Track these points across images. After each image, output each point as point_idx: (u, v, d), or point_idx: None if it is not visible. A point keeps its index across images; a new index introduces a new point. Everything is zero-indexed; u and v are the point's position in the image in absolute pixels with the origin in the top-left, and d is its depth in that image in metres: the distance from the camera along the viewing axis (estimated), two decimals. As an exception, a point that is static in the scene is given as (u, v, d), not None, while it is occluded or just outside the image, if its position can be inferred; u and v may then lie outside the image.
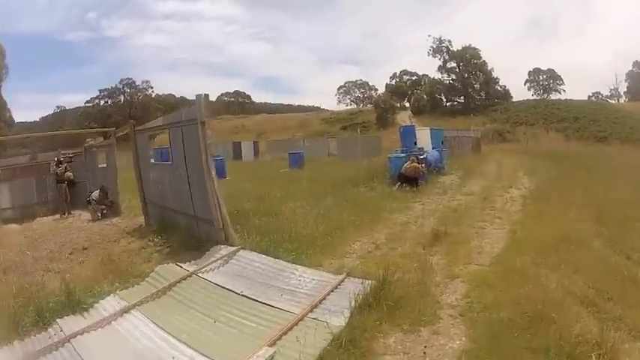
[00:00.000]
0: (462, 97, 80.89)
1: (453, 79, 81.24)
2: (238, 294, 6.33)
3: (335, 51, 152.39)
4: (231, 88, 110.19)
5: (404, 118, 73.14)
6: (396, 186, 16.46)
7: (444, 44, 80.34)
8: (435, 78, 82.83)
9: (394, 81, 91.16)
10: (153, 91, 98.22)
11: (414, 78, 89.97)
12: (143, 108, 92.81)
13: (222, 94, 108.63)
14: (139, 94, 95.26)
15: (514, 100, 78.75)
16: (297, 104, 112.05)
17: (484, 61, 78.58)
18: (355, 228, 10.15)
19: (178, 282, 6.84)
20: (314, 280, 6.57)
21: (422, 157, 18.41)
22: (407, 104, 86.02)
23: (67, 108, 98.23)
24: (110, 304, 6.36)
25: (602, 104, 74.26)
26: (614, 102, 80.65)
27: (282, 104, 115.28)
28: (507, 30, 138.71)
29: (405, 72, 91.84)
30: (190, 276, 7.04)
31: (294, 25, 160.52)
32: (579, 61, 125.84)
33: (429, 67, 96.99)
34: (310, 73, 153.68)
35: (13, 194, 17.02)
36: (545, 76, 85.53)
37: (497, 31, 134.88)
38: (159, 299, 6.43)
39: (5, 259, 9.47)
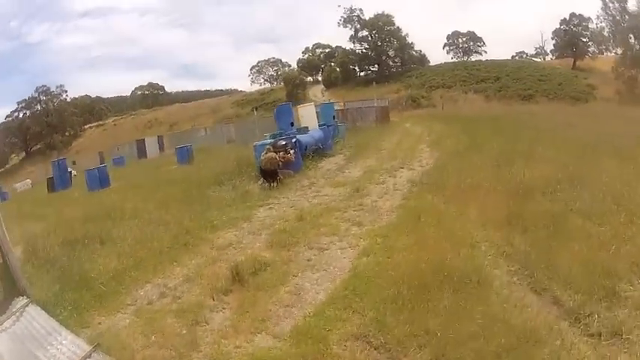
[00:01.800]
0: (375, 66, 76.84)
1: (365, 49, 76.78)
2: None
3: (251, 31, 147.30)
4: (148, 81, 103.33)
5: (316, 92, 70.30)
6: (260, 182, 13.41)
7: (355, 13, 75.74)
8: (347, 49, 78.11)
9: (307, 55, 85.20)
10: (67, 96, 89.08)
11: (327, 51, 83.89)
12: (59, 115, 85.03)
13: (135, 88, 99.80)
14: (54, 100, 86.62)
15: (432, 64, 75.06)
16: (214, 89, 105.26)
17: (398, 27, 74.41)
18: (162, 259, 7.83)
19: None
20: (66, 352, 5.35)
21: (290, 141, 14.96)
22: (320, 78, 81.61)
23: None
24: None
25: (527, 62, 71.52)
26: (539, 60, 77.81)
27: (199, 90, 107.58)
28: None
29: (317, 45, 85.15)
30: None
31: (209, 9, 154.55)
32: (501, 22, 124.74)
33: (343, 39, 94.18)
34: (227, 56, 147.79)
35: None
36: (464, 39, 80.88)
37: None
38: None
39: None
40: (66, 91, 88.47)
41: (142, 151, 46.99)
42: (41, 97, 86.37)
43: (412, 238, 6.44)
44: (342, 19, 75.14)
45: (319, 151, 17.59)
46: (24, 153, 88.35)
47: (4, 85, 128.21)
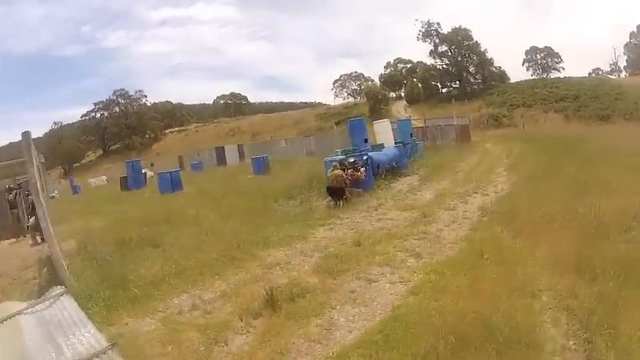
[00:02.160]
0: (457, 83, 77.35)
1: (446, 64, 77.33)
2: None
3: (333, 45, 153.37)
4: (232, 90, 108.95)
5: (399, 108, 71.31)
6: (327, 199, 13.29)
7: (432, 27, 76.43)
8: (428, 64, 78.96)
9: (388, 70, 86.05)
10: (147, 100, 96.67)
11: (408, 66, 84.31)
12: (138, 118, 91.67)
13: (218, 96, 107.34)
14: (133, 104, 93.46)
15: (512, 81, 74.38)
16: (299, 101, 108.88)
17: (477, 42, 74.55)
18: (205, 271, 7.92)
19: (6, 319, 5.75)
20: (85, 344, 4.94)
21: (361, 158, 14.83)
22: (402, 94, 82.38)
23: (64, 123, 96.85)
24: None
25: (603, 80, 68.90)
26: (614, 77, 75.41)
27: (283, 102, 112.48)
28: (500, 9, 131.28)
29: (399, 60, 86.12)
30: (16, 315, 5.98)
31: (289, 22, 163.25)
32: (577, 37, 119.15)
33: (423, 54, 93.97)
34: (310, 69, 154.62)
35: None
36: (542, 55, 79.38)
37: (488, 11, 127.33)
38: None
39: None
40: (145, 96, 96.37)
41: (221, 159, 48.80)
42: (119, 99, 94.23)
43: (468, 278, 5.84)
44: (421, 34, 76.52)
45: (394, 170, 17.31)
46: (101, 151, 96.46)
47: (79, 86, 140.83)
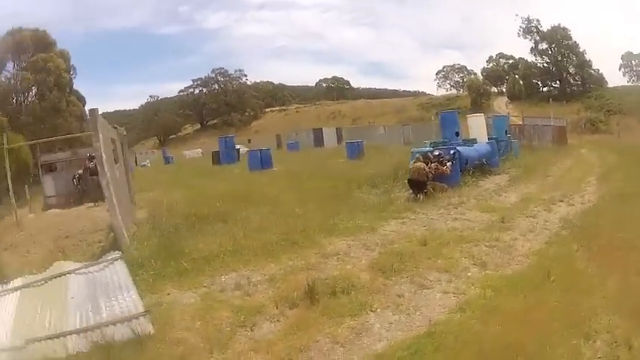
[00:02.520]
0: (557, 82, 75.87)
1: (547, 62, 75.92)
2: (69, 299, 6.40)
3: (435, 36, 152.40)
4: (335, 74, 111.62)
5: (500, 104, 71.14)
6: (409, 192, 13.16)
7: (532, 24, 75.02)
8: (530, 61, 77.77)
9: (491, 65, 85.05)
10: (247, 79, 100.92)
11: (510, 62, 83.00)
12: (238, 96, 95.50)
13: (320, 80, 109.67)
14: (233, 82, 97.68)
15: (609, 85, 71.43)
16: (402, 89, 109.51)
17: (575, 42, 72.83)
18: (262, 252, 8.18)
19: (55, 277, 7.17)
20: (123, 307, 5.93)
21: (448, 152, 14.42)
22: (504, 89, 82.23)
23: (160, 97, 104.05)
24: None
25: None
26: None
27: (386, 89, 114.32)
28: (597, 9, 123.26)
29: (501, 55, 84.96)
30: (66, 274, 7.26)
31: (391, 10, 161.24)
32: None
33: (524, 50, 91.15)
34: (413, 58, 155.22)
35: (57, 184, 19.47)
36: (637, 61, 75.22)
37: (585, 11, 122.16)
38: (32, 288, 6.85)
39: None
40: (245, 75, 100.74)
41: (318, 140, 49.98)
42: (218, 77, 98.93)
43: (526, 302, 5.38)
44: (521, 30, 75.92)
45: (484, 167, 16.94)
46: (199, 125, 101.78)
47: (176, 63, 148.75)
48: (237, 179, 21.00)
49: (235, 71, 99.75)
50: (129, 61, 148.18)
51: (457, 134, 16.93)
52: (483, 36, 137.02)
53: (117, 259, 7.55)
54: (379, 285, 6.28)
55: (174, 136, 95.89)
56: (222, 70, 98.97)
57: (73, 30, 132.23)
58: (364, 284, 6.29)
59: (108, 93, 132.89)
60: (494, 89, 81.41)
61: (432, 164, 13.18)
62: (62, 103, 44.26)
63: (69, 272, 7.28)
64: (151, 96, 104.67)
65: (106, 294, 6.35)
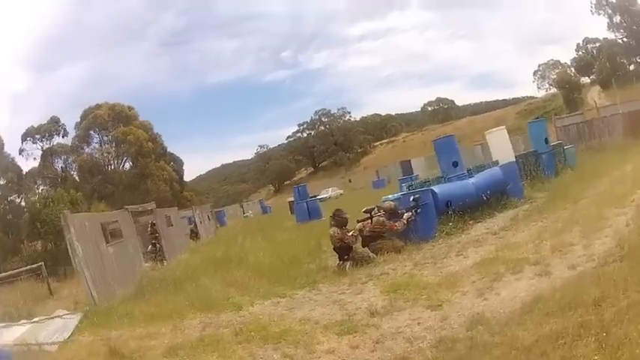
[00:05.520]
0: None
1: (625, 37, 68.33)
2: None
3: (533, 34, 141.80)
4: (440, 95, 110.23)
5: (593, 95, 62.90)
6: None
7: None
8: (610, 39, 70.44)
9: (580, 53, 77.01)
10: (351, 116, 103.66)
11: (597, 45, 74.18)
12: (344, 134, 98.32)
13: (425, 103, 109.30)
14: (337, 121, 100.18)
15: None
16: (511, 97, 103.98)
17: None
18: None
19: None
20: None
21: (414, 198, 11.92)
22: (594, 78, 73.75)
23: (270, 145, 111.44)
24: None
25: None
26: None
27: (488, 101, 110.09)
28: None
29: (587, 40, 76.44)
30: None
31: (485, 16, 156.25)
32: None
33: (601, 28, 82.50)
34: (515, 63, 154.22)
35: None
36: None
37: None
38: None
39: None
40: (349, 112, 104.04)
41: (407, 172, 46.35)
42: (322, 118, 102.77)
43: None
44: (592, 5, 69.53)
45: (503, 195, 13.93)
46: (312, 168, 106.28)
47: (286, 108, 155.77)
48: (266, 235, 21.77)
49: (338, 110, 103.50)
50: (241, 111, 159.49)
51: (455, 164, 14.00)
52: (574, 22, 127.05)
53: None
54: None
55: (288, 181, 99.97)
56: (325, 111, 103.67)
57: (181, 87, 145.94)
58: None
59: (220, 144, 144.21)
60: (587, 79, 74.41)
61: (357, 225, 11.32)
62: (148, 169, 49.31)
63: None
64: (260, 145, 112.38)
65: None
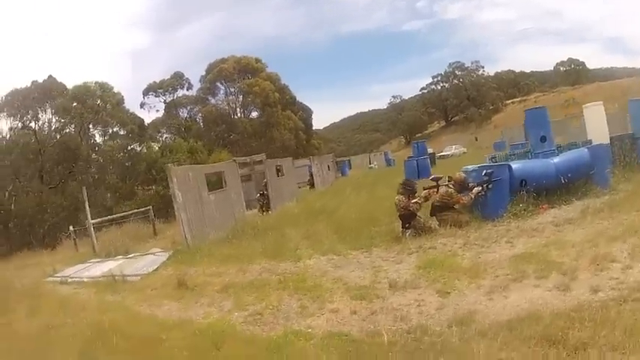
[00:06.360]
0: None
1: None
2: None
3: None
4: (573, 55, 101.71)
5: None
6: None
7: None
8: None
9: None
10: (484, 71, 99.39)
11: None
12: (476, 89, 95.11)
13: (557, 63, 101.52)
14: (471, 75, 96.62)
15: None
16: None
17: None
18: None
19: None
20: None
21: (490, 172, 11.11)
22: None
23: (404, 96, 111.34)
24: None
25: None
26: None
27: (627, 68, 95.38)
28: None
29: None
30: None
31: None
32: None
33: None
34: None
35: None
36: None
37: None
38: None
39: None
40: (482, 67, 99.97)
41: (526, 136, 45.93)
42: (456, 72, 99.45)
43: None
44: None
45: (588, 182, 12.05)
46: (444, 122, 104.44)
47: (417, 59, 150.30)
48: (371, 190, 22.37)
49: (472, 63, 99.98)
50: (376, 61, 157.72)
51: (543, 139, 12.64)
52: None
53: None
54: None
55: (420, 134, 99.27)
56: (459, 64, 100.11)
57: (314, 38, 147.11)
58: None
59: (355, 93, 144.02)
60: None
61: (423, 193, 11.15)
62: (274, 118, 51.57)
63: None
64: (393, 96, 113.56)
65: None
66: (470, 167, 13.13)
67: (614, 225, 8.91)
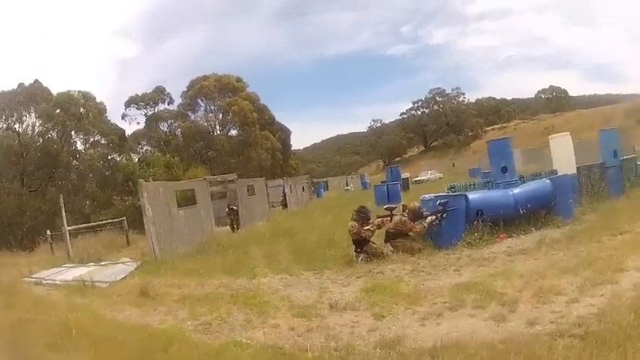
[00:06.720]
0: None
1: None
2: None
3: None
4: (554, 83, 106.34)
5: None
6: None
7: None
8: None
9: None
10: (465, 98, 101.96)
11: None
12: (456, 116, 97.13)
13: (538, 91, 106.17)
14: (453, 101, 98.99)
15: None
16: (623, 93, 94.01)
17: None
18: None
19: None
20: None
21: (444, 202, 11.38)
22: None
23: (384, 120, 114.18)
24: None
25: None
26: None
27: (605, 95, 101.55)
28: None
29: None
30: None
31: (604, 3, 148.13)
32: None
33: None
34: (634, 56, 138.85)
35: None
36: None
37: None
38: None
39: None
40: (463, 93, 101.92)
41: None
42: (437, 98, 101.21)
43: None
44: None
45: (550, 212, 12.28)
46: (423, 147, 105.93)
47: (409, 83, 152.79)
48: (337, 213, 22.15)
49: (453, 89, 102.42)
50: (358, 83, 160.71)
51: (504, 170, 12.88)
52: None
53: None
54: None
55: (399, 158, 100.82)
56: (440, 90, 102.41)
57: (297, 59, 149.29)
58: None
59: (340, 116, 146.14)
60: None
61: (370, 223, 11.35)
62: (251, 138, 52.73)
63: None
64: (373, 119, 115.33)
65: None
66: (427, 196, 12.91)
67: (569, 257, 8.99)
